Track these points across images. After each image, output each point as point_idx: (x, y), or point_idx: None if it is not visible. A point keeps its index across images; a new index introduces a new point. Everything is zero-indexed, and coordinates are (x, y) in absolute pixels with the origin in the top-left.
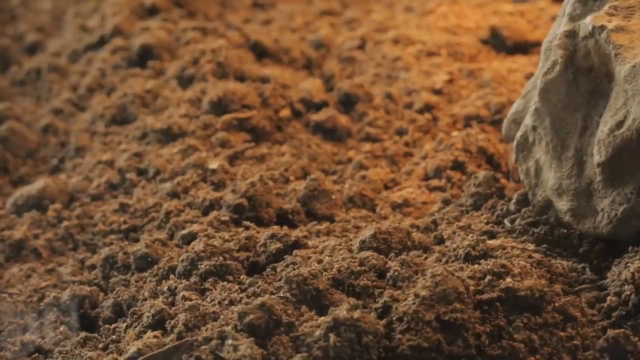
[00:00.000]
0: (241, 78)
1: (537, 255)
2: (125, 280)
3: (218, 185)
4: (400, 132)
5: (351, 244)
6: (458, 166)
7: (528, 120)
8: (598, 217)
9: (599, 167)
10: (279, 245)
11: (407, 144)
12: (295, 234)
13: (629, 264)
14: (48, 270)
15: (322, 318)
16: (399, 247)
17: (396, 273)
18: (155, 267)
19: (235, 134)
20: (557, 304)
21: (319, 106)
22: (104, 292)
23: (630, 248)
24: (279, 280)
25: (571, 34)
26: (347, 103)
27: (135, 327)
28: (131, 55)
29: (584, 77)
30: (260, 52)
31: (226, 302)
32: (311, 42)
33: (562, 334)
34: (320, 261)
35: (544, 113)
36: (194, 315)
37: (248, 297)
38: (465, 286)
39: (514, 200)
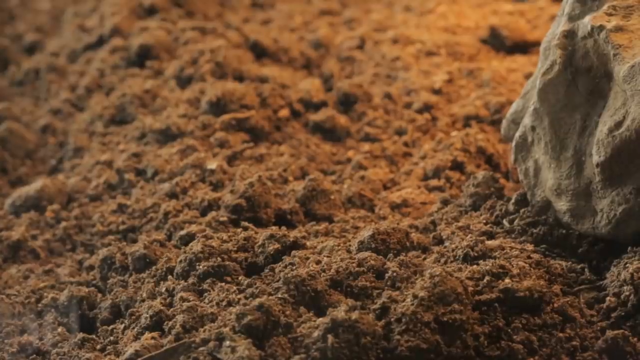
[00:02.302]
0: (240, 78)
1: (536, 256)
2: (123, 281)
3: (216, 186)
4: (400, 132)
5: (350, 245)
6: (457, 166)
7: (527, 121)
8: (597, 217)
9: (598, 167)
10: (277, 246)
11: (406, 144)
12: (294, 234)
13: (628, 265)
14: (46, 271)
15: (320, 319)
16: (398, 248)
17: (395, 274)
18: (154, 268)
19: (234, 134)
20: (556, 305)
21: (318, 106)
22: (102, 293)
23: (629, 248)
24: (277, 281)
25: (570, 34)
26: (346, 103)
27: (133, 328)
28: (130, 55)
29: (583, 77)
30: (259, 52)
31: (224, 303)
32: (310, 41)
33: (560, 334)
34: (318, 262)
35: (543, 113)
36: (191, 317)
37: (246, 298)
38: (463, 287)
39: (512, 201)
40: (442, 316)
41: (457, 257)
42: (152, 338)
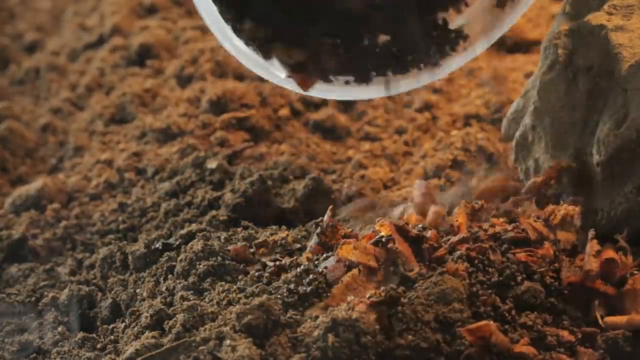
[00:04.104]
0: (240, 77)
1: None
2: (124, 280)
3: (217, 185)
4: (400, 131)
5: None
6: (457, 165)
7: (527, 120)
8: (597, 216)
9: (599, 167)
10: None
11: (406, 143)
12: (294, 234)
13: None
14: (46, 270)
15: (321, 318)
16: None
17: None
18: (154, 267)
19: (234, 133)
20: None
21: (318, 105)
22: (102, 292)
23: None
24: (278, 280)
25: (571, 33)
26: (346, 102)
27: (134, 327)
28: (130, 54)
29: (584, 76)
30: None
31: (224, 302)
32: None
33: (562, 333)
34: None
35: (544, 112)
36: (192, 316)
37: (246, 297)
38: (464, 286)
39: None
40: (443, 315)
41: None
42: (153, 337)
